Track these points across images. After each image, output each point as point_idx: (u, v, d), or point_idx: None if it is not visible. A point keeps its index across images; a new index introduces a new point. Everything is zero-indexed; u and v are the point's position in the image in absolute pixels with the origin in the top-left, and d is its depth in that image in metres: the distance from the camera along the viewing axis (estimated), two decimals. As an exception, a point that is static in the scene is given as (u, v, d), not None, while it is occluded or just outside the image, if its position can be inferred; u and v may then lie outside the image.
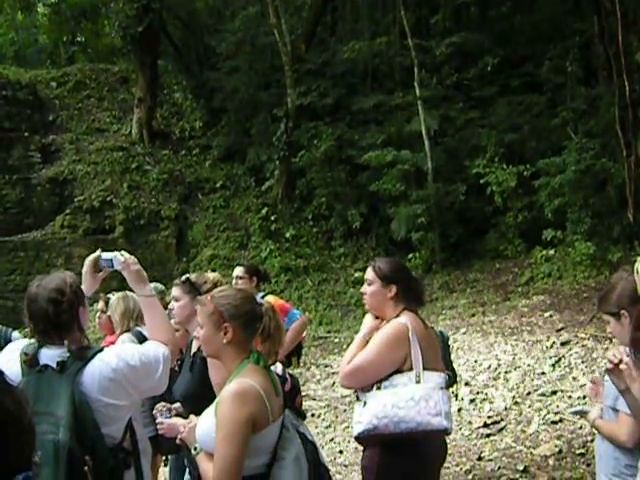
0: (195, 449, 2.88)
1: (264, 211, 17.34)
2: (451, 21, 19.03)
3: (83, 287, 3.13)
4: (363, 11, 20.50)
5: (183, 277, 4.32)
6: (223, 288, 3.21)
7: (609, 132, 13.95)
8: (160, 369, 2.90)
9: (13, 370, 2.72)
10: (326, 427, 8.17)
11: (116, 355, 2.79)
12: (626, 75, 13.03)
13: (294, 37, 18.94)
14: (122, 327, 5.18)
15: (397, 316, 3.57)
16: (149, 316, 3.16)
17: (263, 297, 4.54)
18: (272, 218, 17.18)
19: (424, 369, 3.45)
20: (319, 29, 21.29)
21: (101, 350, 2.81)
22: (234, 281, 5.68)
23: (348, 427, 7.70)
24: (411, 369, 3.44)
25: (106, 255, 3.20)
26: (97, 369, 2.69)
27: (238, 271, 5.79)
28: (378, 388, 3.46)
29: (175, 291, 4.23)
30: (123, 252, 3.21)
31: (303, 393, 9.30)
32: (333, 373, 10.28)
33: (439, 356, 3.71)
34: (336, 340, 12.73)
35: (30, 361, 2.71)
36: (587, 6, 16.80)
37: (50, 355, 2.71)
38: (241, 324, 2.88)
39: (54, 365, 2.66)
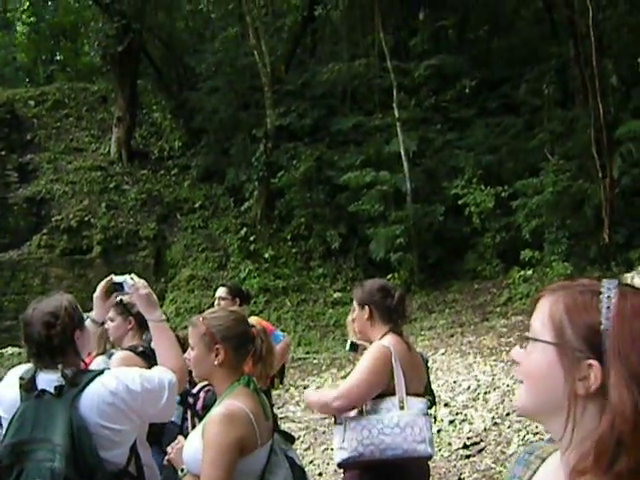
0: (182, 470, 2.83)
1: (243, 231, 17.27)
2: (430, 44, 19.18)
3: (94, 312, 3.11)
4: (342, 33, 20.66)
5: (117, 299, 4.32)
6: (215, 310, 3.16)
7: (585, 154, 14.12)
8: (165, 396, 2.80)
9: (12, 395, 2.68)
10: (305, 449, 8.10)
11: (116, 378, 2.71)
12: (601, 98, 13.23)
13: (274, 58, 18.98)
14: (98, 349, 5.08)
15: (381, 338, 3.52)
16: (158, 342, 3.06)
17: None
18: (251, 238, 17.12)
19: (406, 394, 3.40)
20: (299, 50, 21.44)
21: (101, 373, 2.74)
22: (216, 302, 5.64)
23: (327, 449, 7.64)
24: (393, 394, 3.40)
25: (117, 279, 3.13)
26: (95, 393, 2.63)
27: (221, 292, 5.73)
28: (360, 412, 3.40)
29: (109, 312, 4.24)
30: (133, 275, 3.14)
31: (282, 415, 9.28)
32: (312, 394, 10.21)
33: (423, 380, 3.67)
34: (315, 361, 12.68)
35: (27, 386, 2.65)
36: (563, 30, 17.08)
37: (47, 380, 2.66)
38: (233, 346, 2.84)
39: (52, 390, 2.60)
